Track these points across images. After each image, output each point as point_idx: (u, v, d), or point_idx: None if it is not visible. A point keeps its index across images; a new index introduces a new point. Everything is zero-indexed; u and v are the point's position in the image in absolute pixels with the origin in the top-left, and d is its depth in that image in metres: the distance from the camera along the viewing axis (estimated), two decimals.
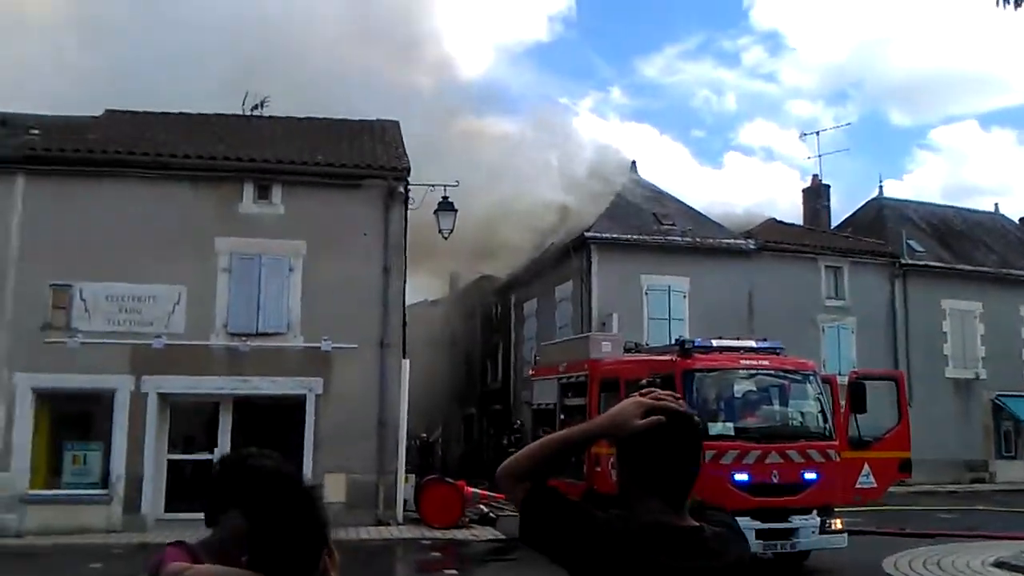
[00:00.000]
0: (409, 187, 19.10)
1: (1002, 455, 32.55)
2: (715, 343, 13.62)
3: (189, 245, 17.84)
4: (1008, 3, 9.14)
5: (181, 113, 21.11)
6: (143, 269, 17.55)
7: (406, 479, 18.70)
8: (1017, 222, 39.13)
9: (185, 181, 18.23)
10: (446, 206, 19.11)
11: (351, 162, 18.80)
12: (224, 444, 18.05)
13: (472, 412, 40.97)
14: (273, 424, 19.28)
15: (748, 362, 13.09)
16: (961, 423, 31.38)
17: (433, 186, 19.14)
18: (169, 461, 17.98)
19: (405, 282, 18.99)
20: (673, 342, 13.60)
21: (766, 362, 13.20)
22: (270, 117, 23.76)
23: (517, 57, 74.98)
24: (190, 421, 18.76)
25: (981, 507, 23.55)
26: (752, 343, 13.83)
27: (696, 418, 2.20)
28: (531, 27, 78.68)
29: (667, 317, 27.03)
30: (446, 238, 19.40)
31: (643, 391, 2.25)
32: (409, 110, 30.33)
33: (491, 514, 18.54)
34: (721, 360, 12.99)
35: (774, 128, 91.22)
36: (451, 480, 18.92)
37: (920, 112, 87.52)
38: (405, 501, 18.50)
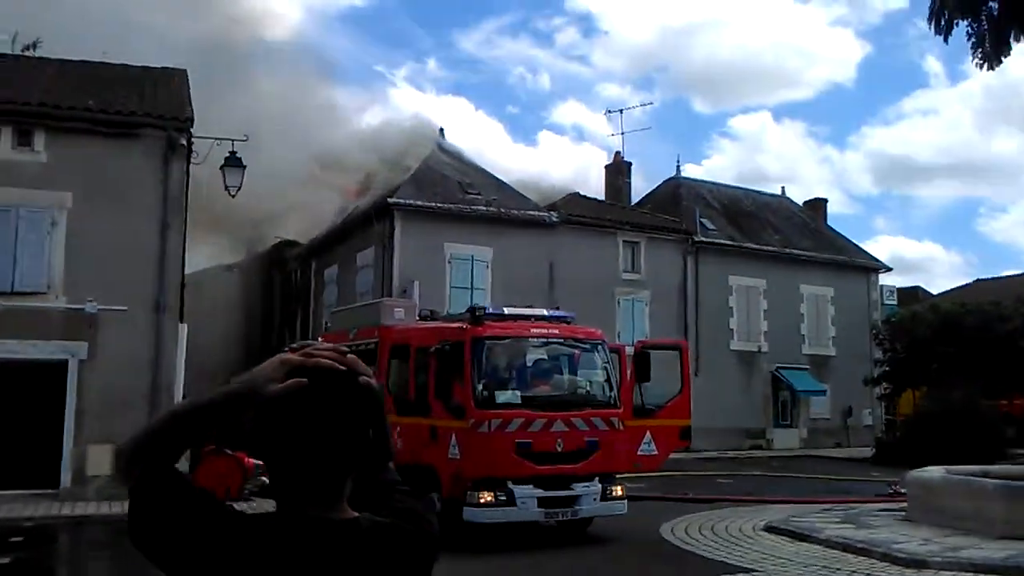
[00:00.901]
0: (193, 140, 17.78)
1: (779, 423, 34.64)
2: (507, 311, 13.40)
3: None
4: (941, 32, 9.12)
5: None
6: None
7: None
8: (801, 205, 41.58)
9: None
10: (234, 161, 17.90)
11: (127, 109, 17.24)
12: None
13: None
14: (31, 392, 17.60)
15: (538, 330, 12.93)
16: (744, 393, 33.09)
17: (219, 140, 17.88)
18: None
19: (185, 241, 17.68)
20: (465, 310, 13.25)
21: (556, 331, 13.09)
22: (40, 58, 21.63)
23: (330, 20, 72.65)
24: None
25: (758, 472, 24.81)
26: (544, 311, 13.68)
27: (364, 379, 1.67)
28: None
29: (469, 286, 26.86)
30: (233, 196, 18.19)
31: (294, 346, 1.72)
32: (203, 62, 28.39)
33: None
34: (511, 328, 12.76)
35: (585, 109, 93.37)
36: (230, 451, 17.87)
37: (720, 101, 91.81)
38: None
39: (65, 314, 16.53)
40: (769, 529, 13.38)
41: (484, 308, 13.01)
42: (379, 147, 32.68)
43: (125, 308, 16.80)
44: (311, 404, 1.61)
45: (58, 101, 16.87)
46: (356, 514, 1.69)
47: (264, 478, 17.60)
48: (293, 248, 36.53)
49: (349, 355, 1.72)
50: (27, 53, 24.31)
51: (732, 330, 33.65)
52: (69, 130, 16.91)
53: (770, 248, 35.15)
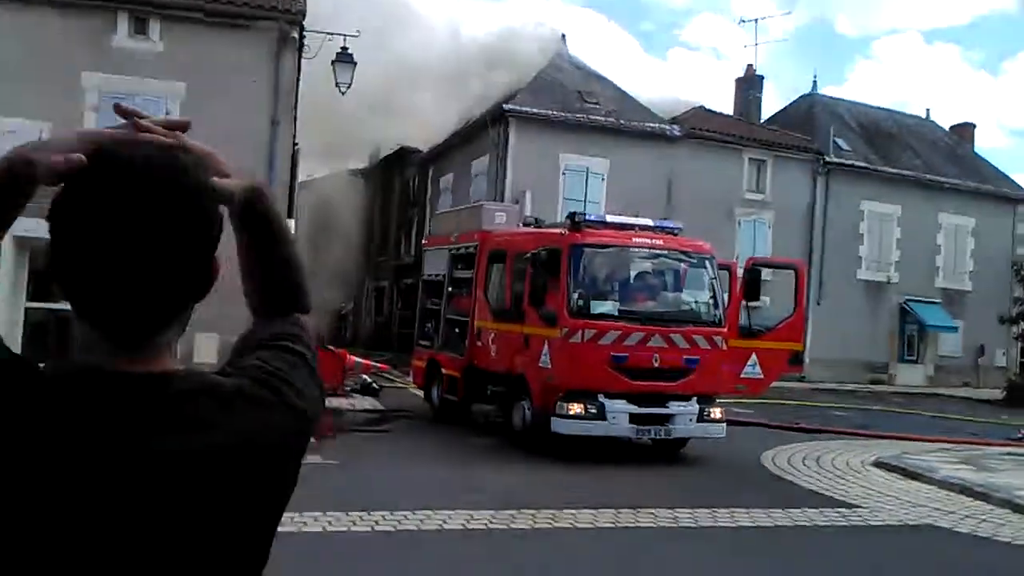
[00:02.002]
0: (305, 33, 17.53)
1: (904, 358, 33.01)
2: (609, 219, 12.77)
3: (54, 79, 16.12)
4: None
5: None
6: (2, 102, 15.87)
7: None
8: (948, 130, 38.83)
9: (52, 8, 16.38)
10: (344, 57, 17.60)
11: (239, 0, 17.06)
12: None
13: (384, 285, 40.12)
14: None
15: (641, 240, 12.26)
16: (868, 324, 31.59)
17: (331, 35, 17.57)
18: (27, 309, 16.73)
19: (295, 136, 17.59)
20: (567, 216, 12.69)
21: (660, 241, 12.39)
22: None
23: None
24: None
25: (876, 407, 23.70)
26: (649, 221, 12.97)
27: (201, 180, 1.16)
28: None
29: (583, 199, 26.16)
30: (343, 93, 17.94)
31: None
32: None
33: (374, 385, 17.83)
34: (612, 236, 12.14)
35: (721, 22, 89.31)
36: (332, 347, 18.05)
37: (866, 22, 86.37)
38: None
39: None
40: (878, 464, 12.59)
41: (584, 214, 12.41)
42: (501, 55, 31.89)
43: None
44: (96, 197, 1.12)
45: None
46: (177, 368, 1.20)
47: (365, 376, 17.77)
48: (413, 155, 36.48)
49: (196, 145, 1.23)
50: None
51: (860, 258, 31.97)
52: (184, 19, 16.89)
53: (909, 173, 32.99)
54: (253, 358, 1.30)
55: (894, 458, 12.88)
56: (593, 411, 11.37)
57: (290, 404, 1.25)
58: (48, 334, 17.06)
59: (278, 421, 1.23)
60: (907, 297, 32.50)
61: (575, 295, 11.51)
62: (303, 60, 17.57)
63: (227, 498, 1.15)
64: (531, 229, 14.07)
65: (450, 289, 15.26)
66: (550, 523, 8.22)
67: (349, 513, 8.00)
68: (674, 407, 11.75)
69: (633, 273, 12.41)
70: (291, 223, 17.27)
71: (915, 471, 11.93)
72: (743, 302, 13.09)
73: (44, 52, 16.14)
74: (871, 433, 16.55)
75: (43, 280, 17.20)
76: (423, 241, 18.70)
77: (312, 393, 1.31)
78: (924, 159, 34.54)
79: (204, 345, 16.70)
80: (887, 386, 31.29)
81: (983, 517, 9.59)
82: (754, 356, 13.05)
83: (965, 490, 10.77)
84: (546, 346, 11.68)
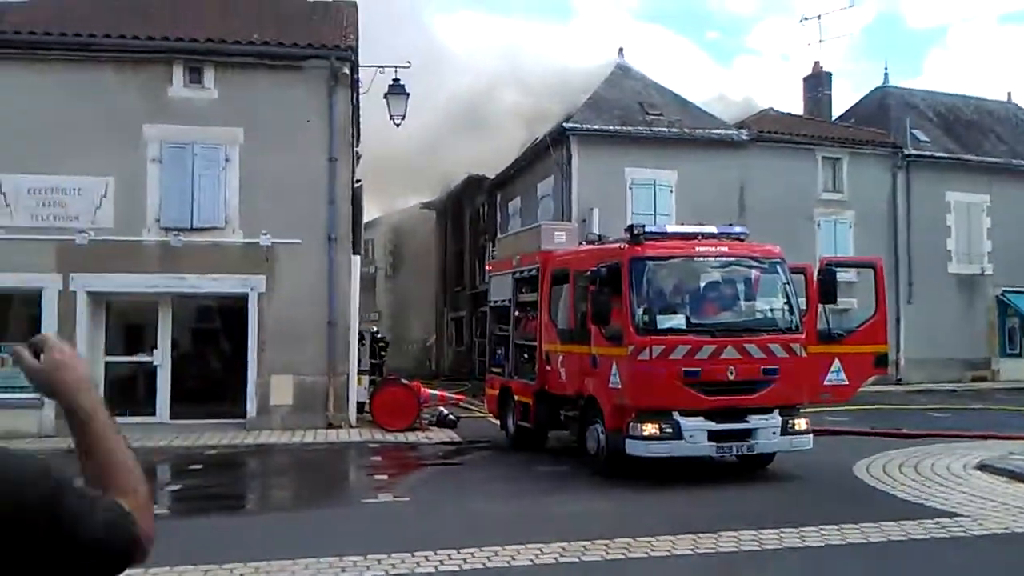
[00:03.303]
0: (357, 69, 17.56)
1: (1006, 353, 31.39)
2: (670, 229, 12.32)
3: (115, 133, 16.50)
4: None
5: None
6: (67, 160, 16.30)
7: (359, 380, 17.67)
8: None
9: (108, 64, 16.77)
10: (397, 89, 17.54)
11: (290, 41, 17.17)
12: (164, 346, 17.07)
13: (462, 315, 40.11)
14: (216, 324, 18.30)
15: (705, 249, 11.75)
16: (964, 320, 30.16)
17: (383, 68, 17.55)
18: (107, 363, 17.01)
19: (354, 172, 17.59)
20: (625, 229, 12.25)
21: (725, 248, 11.85)
22: None
23: None
24: (129, 321, 17.70)
25: (979, 406, 22.50)
26: (713, 228, 12.44)
27: None
28: None
29: (652, 212, 25.60)
30: (398, 125, 17.88)
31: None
32: None
33: (451, 416, 17.57)
34: (674, 247, 11.67)
35: (788, 24, 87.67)
36: (406, 381, 17.88)
37: (937, 12, 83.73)
38: (360, 404, 17.53)
39: (242, 248, 16.88)
40: (982, 468, 11.76)
41: (643, 226, 11.96)
42: (553, 71, 31.66)
43: (299, 241, 16.97)
44: None
45: (224, 36, 17.02)
46: None
47: (442, 408, 17.57)
48: (482, 182, 36.47)
49: None
50: None
51: (949, 251, 30.56)
52: (236, 65, 17.11)
53: (994, 159, 31.49)
54: None
55: (999, 460, 12.03)
56: (668, 431, 10.88)
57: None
58: (126, 382, 17.36)
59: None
60: (1004, 288, 30.93)
61: (640, 311, 11.06)
62: (360, 96, 17.58)
63: None
64: (593, 246, 13.67)
65: (516, 313, 14.95)
66: (624, 553, 7.77)
67: (415, 553, 7.70)
68: (755, 421, 11.17)
69: (699, 283, 11.88)
70: (356, 260, 17.25)
71: (1023, 473, 11.09)
72: (820, 305, 12.43)
73: (104, 107, 16.51)
74: (974, 434, 15.58)
75: (120, 334, 17.52)
76: (487, 267, 18.45)
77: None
78: (1009, 144, 32.98)
79: (280, 386, 16.79)
80: (990, 383, 29.78)
81: None
82: (837, 362, 12.38)
83: None
84: (614, 366, 11.25)
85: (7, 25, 16.82)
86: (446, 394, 18.70)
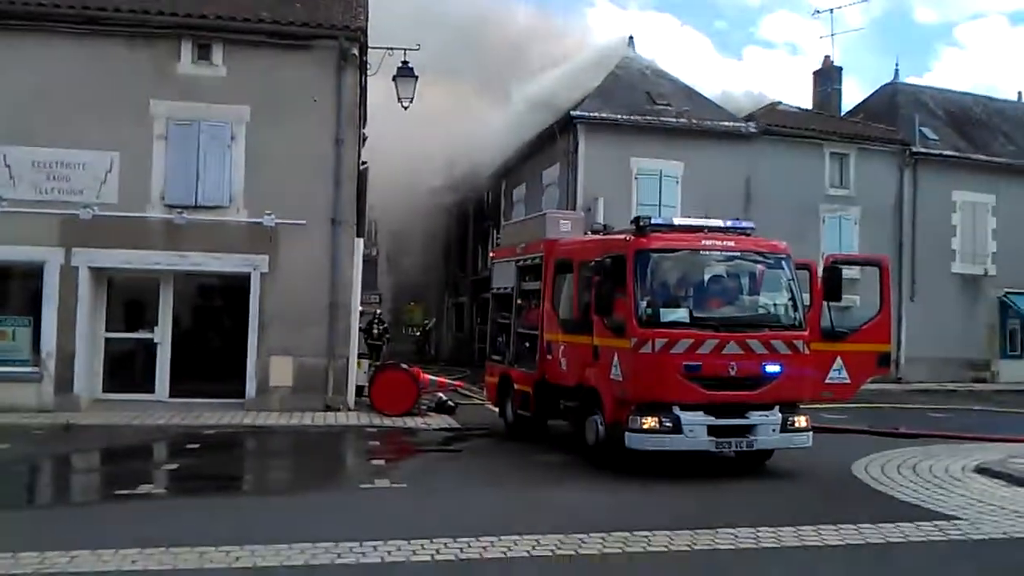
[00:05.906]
0: (367, 50, 17.45)
1: (1006, 354, 31.42)
2: (676, 221, 12.23)
3: (122, 108, 16.43)
4: None
5: None
6: (72, 133, 16.25)
7: (359, 364, 17.65)
8: None
9: (117, 38, 16.65)
10: (405, 72, 17.44)
11: (299, 20, 17.07)
12: (165, 323, 17.04)
13: (463, 301, 40.09)
14: (217, 303, 18.26)
15: (710, 242, 11.67)
16: (966, 320, 30.17)
17: (392, 49, 17.44)
18: (107, 339, 16.99)
19: (360, 154, 17.49)
20: (631, 220, 12.17)
21: (731, 243, 11.77)
22: None
23: None
24: (131, 298, 17.66)
25: (979, 407, 22.50)
26: (719, 222, 12.37)
27: None
28: None
29: (658, 203, 25.55)
30: (405, 108, 17.78)
31: None
32: None
33: (450, 403, 17.58)
34: (679, 240, 11.59)
35: (796, 19, 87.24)
36: (406, 366, 17.86)
37: (947, 8, 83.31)
38: (359, 388, 17.51)
39: (246, 228, 16.83)
40: (981, 470, 11.73)
41: (649, 218, 11.87)
42: (561, 58, 31.50)
43: (303, 222, 16.92)
44: None
45: (234, 13, 16.90)
46: None
47: (441, 394, 17.56)
48: (486, 168, 36.31)
49: None
50: None
51: (954, 251, 30.54)
52: (245, 43, 17.00)
53: (1002, 160, 31.40)
54: None
55: (999, 463, 12.00)
56: (668, 424, 10.84)
57: None
58: (132, 362, 17.33)
59: None
60: (1007, 290, 30.90)
61: (643, 303, 11.01)
62: (366, 76, 17.48)
63: None
64: (597, 236, 13.59)
65: (519, 302, 14.90)
66: (621, 547, 7.75)
67: (411, 541, 7.66)
68: (755, 417, 11.13)
69: (704, 277, 11.81)
70: (359, 242, 17.20)
71: (1022, 477, 11.06)
72: (824, 303, 12.37)
73: (111, 82, 16.43)
74: (973, 436, 15.57)
75: (121, 310, 17.48)
76: (490, 254, 18.39)
77: None
78: (1018, 144, 32.84)
79: (279, 367, 16.76)
80: (990, 384, 29.79)
81: None
82: (839, 360, 12.33)
83: None
84: (616, 357, 11.21)
85: None
86: (445, 380, 18.71)
